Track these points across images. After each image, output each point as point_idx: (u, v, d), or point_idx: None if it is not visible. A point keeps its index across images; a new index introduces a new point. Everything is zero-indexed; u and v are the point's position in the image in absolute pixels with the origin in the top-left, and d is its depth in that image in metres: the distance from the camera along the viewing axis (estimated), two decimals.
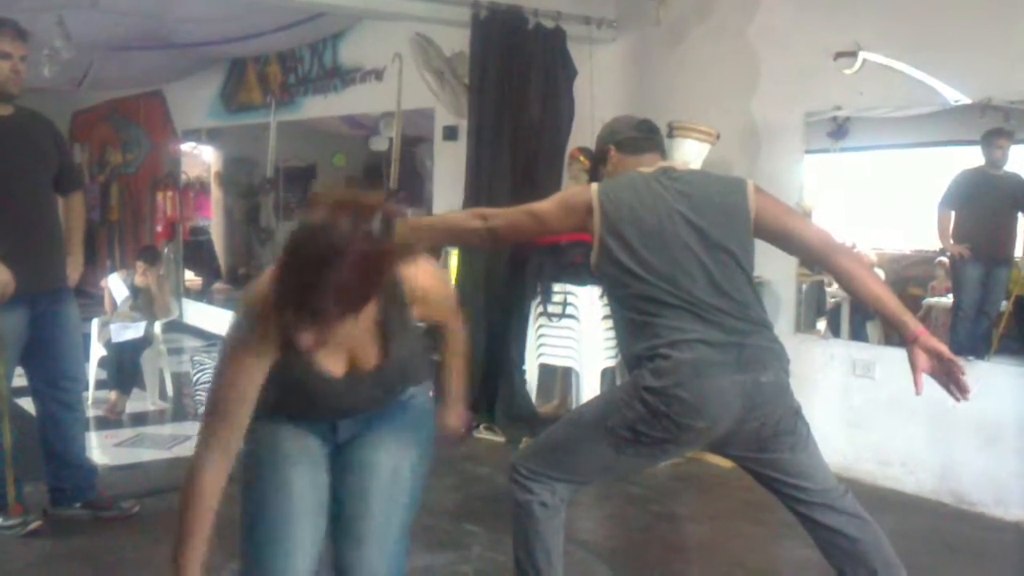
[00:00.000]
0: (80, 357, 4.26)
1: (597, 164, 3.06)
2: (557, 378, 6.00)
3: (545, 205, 2.81)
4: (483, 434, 5.57)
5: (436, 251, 4.59)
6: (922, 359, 2.50)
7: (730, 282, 2.63)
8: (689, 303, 2.58)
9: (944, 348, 2.50)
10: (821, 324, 5.47)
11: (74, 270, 4.07)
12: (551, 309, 5.43)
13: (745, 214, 2.69)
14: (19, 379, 4.08)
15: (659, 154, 2.95)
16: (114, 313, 7.22)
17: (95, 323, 6.85)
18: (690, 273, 2.61)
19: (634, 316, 2.66)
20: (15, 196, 3.78)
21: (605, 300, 5.28)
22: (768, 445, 2.63)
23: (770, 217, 2.71)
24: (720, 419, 2.56)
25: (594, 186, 2.76)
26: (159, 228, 11.42)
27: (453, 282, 5.91)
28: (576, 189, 3.01)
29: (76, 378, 4.17)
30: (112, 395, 6.70)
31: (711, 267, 2.62)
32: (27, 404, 4.11)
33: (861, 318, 5.28)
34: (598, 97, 6.01)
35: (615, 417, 2.64)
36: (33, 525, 3.92)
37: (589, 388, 5.31)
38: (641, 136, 2.96)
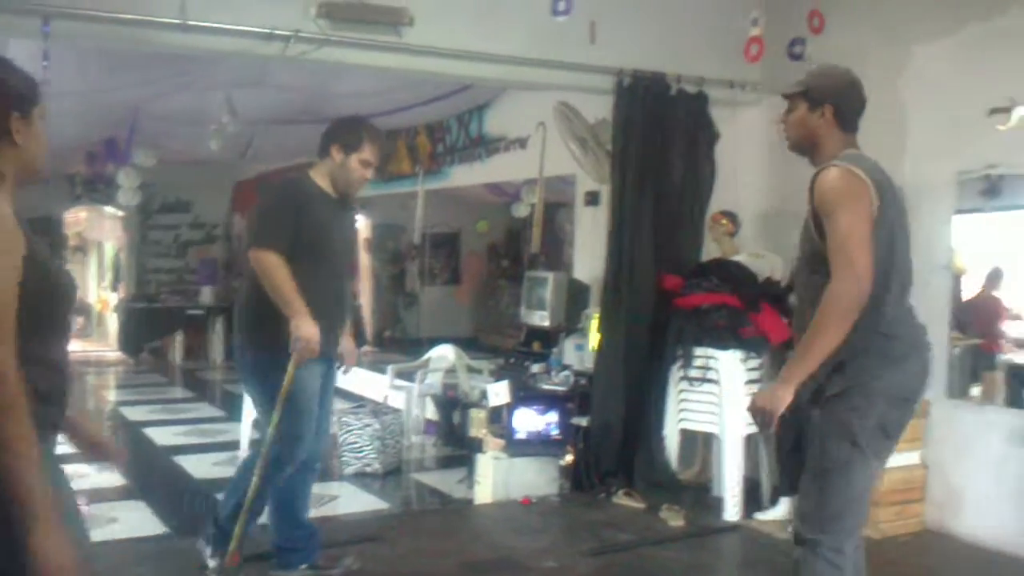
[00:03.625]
0: None
1: (796, 104, 2.99)
2: (698, 444, 5.89)
3: (852, 218, 2.65)
4: (622, 500, 5.48)
5: None
6: None
7: None
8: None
9: None
10: (975, 390, 5.16)
11: None
12: (692, 373, 5.35)
13: None
14: None
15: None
16: None
17: None
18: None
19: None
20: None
21: (748, 365, 5.22)
22: None
23: None
24: None
25: (847, 169, 2.71)
26: None
27: (595, 347, 5.90)
28: (840, 183, 2.71)
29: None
30: None
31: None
32: None
33: (1019, 383, 4.98)
34: (741, 159, 5.97)
35: (856, 431, 2.72)
36: None
37: (731, 454, 5.20)
38: (859, 115, 2.92)
